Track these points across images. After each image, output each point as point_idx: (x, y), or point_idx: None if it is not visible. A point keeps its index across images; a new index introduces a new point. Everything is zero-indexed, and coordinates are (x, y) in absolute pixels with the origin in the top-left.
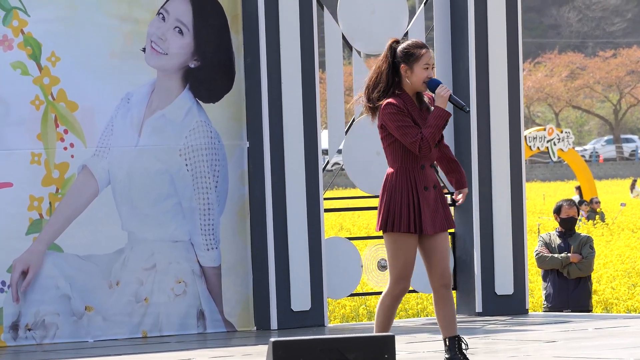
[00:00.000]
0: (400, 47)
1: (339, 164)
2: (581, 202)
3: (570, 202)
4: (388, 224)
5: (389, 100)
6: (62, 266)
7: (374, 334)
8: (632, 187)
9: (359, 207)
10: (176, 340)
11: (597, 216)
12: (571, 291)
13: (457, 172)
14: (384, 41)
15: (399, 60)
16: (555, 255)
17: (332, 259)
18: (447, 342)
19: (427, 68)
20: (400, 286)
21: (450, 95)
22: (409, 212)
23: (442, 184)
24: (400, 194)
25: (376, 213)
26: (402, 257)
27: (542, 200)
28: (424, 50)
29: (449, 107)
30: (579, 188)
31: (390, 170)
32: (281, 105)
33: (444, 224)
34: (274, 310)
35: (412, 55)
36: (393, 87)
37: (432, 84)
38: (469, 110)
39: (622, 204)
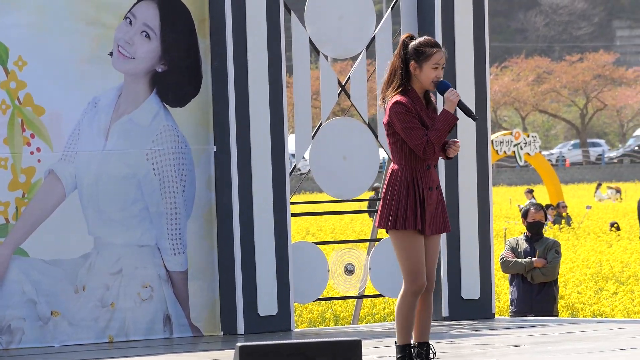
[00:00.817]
0: (412, 44)
1: (299, 170)
2: (547, 206)
3: (537, 206)
4: (396, 222)
5: (398, 98)
6: (28, 271)
7: (340, 338)
8: (597, 190)
9: (325, 212)
10: (142, 345)
11: (564, 220)
12: (534, 296)
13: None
14: (351, 45)
15: (409, 57)
16: (519, 260)
17: (299, 264)
18: (417, 346)
19: (437, 68)
20: (418, 283)
21: (460, 100)
22: (415, 210)
23: None
24: (406, 191)
25: (341, 217)
26: (413, 254)
27: (508, 204)
28: (435, 50)
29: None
30: (531, 192)
31: (394, 166)
32: (248, 109)
33: (441, 226)
34: (241, 315)
35: (422, 53)
36: (405, 84)
37: (442, 87)
38: (478, 118)
39: (588, 207)
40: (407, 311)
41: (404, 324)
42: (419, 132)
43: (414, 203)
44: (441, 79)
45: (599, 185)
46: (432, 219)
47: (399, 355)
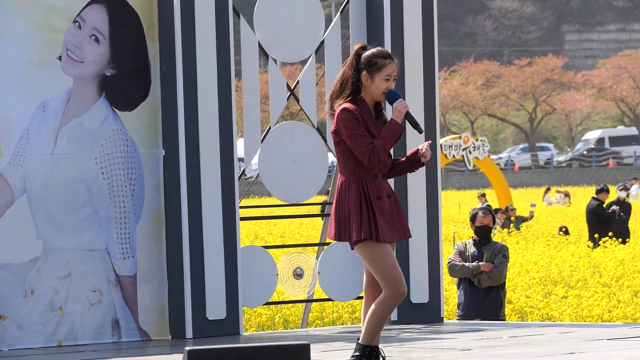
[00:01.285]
0: (365, 54)
1: (245, 174)
2: (497, 210)
3: (485, 210)
4: (351, 234)
5: (345, 105)
6: None
7: (289, 342)
8: (545, 194)
9: (275, 216)
10: (91, 349)
11: (512, 224)
12: (481, 300)
13: (406, 161)
14: (300, 49)
15: (361, 67)
16: (466, 264)
17: (248, 268)
18: (367, 350)
19: (388, 80)
20: (401, 290)
21: (407, 111)
22: (369, 220)
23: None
24: (358, 203)
25: (290, 221)
26: (386, 262)
27: (457, 208)
28: (387, 61)
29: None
30: (484, 195)
31: (342, 178)
32: (197, 113)
33: (400, 233)
34: (189, 319)
35: (375, 64)
36: (355, 93)
37: (391, 97)
38: (422, 131)
39: (532, 205)
40: (384, 316)
41: (375, 327)
42: (365, 139)
43: (367, 213)
44: (391, 90)
45: (548, 189)
46: (389, 227)
47: (357, 354)
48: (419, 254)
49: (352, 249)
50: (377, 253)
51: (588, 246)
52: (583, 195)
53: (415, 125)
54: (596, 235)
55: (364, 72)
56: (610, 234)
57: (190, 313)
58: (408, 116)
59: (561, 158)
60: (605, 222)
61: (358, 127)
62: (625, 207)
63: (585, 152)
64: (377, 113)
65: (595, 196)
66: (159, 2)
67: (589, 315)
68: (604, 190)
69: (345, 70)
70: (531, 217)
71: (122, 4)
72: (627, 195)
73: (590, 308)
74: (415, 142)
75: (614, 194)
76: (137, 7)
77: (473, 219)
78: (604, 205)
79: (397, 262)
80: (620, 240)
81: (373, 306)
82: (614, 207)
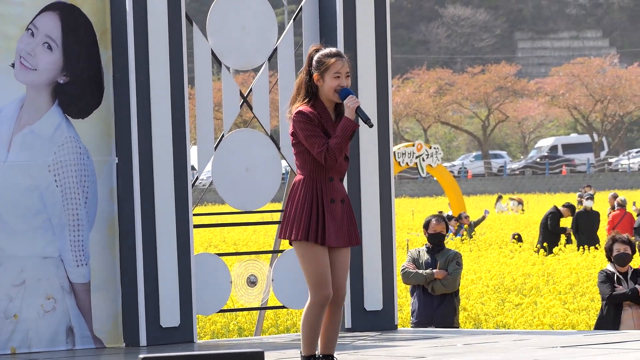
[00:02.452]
0: (315, 56)
1: (201, 181)
2: (450, 217)
3: (439, 217)
4: (298, 233)
5: (301, 108)
6: None
7: (243, 350)
8: (497, 202)
9: (228, 223)
10: (45, 357)
11: (465, 232)
12: (435, 307)
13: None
14: (253, 57)
15: (312, 69)
16: (420, 271)
17: (202, 275)
18: (321, 358)
19: (338, 77)
20: (323, 293)
21: (358, 107)
22: (312, 222)
23: None
24: (308, 203)
25: (244, 229)
26: (316, 265)
27: (411, 216)
28: (333, 60)
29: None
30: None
31: (297, 178)
32: (150, 121)
33: (348, 239)
34: (143, 327)
35: (323, 64)
36: (311, 96)
37: (342, 94)
38: (373, 125)
39: (486, 211)
40: (313, 322)
41: (310, 335)
42: (320, 140)
43: (316, 215)
44: (344, 87)
45: (500, 197)
46: (336, 231)
47: None
48: (373, 261)
49: (291, 245)
50: (312, 255)
51: (536, 251)
52: (536, 203)
53: (366, 120)
54: (545, 244)
55: (316, 74)
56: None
57: (144, 321)
58: (359, 111)
59: (514, 165)
60: (552, 233)
61: (313, 128)
62: (592, 216)
63: (538, 160)
64: (337, 114)
65: (558, 206)
66: (111, 10)
67: (543, 322)
68: (569, 207)
69: (301, 74)
70: (483, 218)
71: (75, 11)
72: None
73: (545, 315)
74: (369, 142)
75: (568, 201)
76: (90, 15)
77: (426, 226)
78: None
79: (328, 269)
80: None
81: (302, 315)
82: (568, 230)
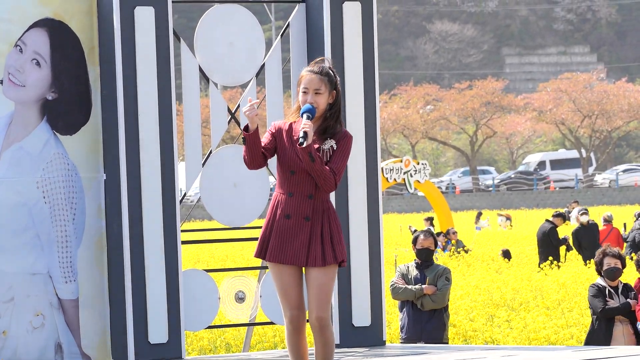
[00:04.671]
0: None
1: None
2: (439, 233)
3: (427, 233)
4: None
5: (274, 122)
6: None
7: None
8: (477, 218)
9: (216, 239)
10: None
11: (452, 247)
12: (425, 323)
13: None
14: (241, 73)
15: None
16: (409, 286)
17: (190, 291)
18: None
19: (305, 92)
20: (288, 314)
21: (303, 128)
22: (263, 237)
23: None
24: (266, 219)
25: (232, 245)
26: (276, 284)
27: (399, 231)
28: (303, 73)
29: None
30: (430, 219)
31: None
32: (138, 137)
33: (300, 259)
34: (131, 343)
35: (299, 78)
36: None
37: (301, 112)
38: (302, 144)
39: (478, 228)
40: (288, 342)
41: (289, 351)
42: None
43: (265, 230)
44: (309, 105)
45: (479, 214)
46: (284, 247)
47: None
48: (361, 277)
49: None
50: (274, 274)
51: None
52: (524, 219)
53: (301, 138)
54: (550, 258)
55: (297, 89)
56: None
57: (133, 337)
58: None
59: (501, 176)
60: (555, 247)
61: (265, 134)
62: (591, 229)
63: (512, 176)
64: (323, 132)
65: (549, 219)
66: (99, 26)
67: (533, 338)
68: (560, 216)
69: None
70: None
71: (63, 27)
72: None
73: (535, 330)
74: (357, 158)
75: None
76: (78, 31)
77: (414, 241)
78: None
79: (291, 289)
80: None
81: None
82: (567, 237)
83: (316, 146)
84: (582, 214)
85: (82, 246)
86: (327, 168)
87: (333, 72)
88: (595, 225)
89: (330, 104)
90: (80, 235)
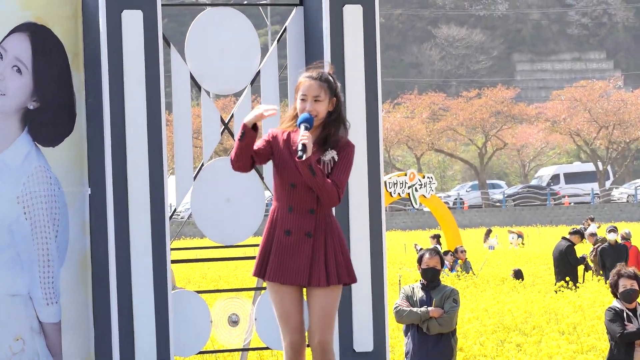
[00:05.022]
0: None
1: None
2: (446, 252)
3: (432, 251)
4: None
5: (271, 129)
6: None
7: None
8: (486, 236)
9: (208, 258)
10: None
11: (459, 267)
12: (431, 348)
13: None
14: (235, 81)
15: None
16: (414, 309)
17: (180, 314)
18: None
19: (304, 100)
20: (288, 339)
21: (301, 140)
22: (262, 255)
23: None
24: (264, 235)
25: (225, 264)
26: (275, 306)
27: (403, 250)
28: (302, 79)
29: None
30: (436, 237)
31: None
32: (125, 149)
33: (303, 278)
34: None
35: (297, 83)
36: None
37: (298, 122)
38: (301, 157)
39: (491, 247)
40: None
41: None
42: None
43: (263, 248)
44: (307, 114)
45: (489, 231)
46: (285, 266)
47: None
48: (363, 299)
49: None
50: (272, 294)
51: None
52: (537, 236)
53: (300, 151)
54: (567, 279)
55: (295, 95)
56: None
57: None
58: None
59: (511, 190)
60: (573, 267)
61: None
62: (619, 250)
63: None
64: (322, 144)
65: (566, 236)
66: (84, 31)
67: None
68: (578, 233)
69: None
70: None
71: (46, 32)
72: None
73: (549, 356)
74: (359, 171)
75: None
76: (61, 36)
77: (420, 260)
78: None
79: (292, 312)
80: None
81: None
82: (585, 255)
83: (316, 157)
84: (610, 232)
85: (65, 265)
86: (330, 181)
87: (333, 77)
88: (623, 247)
89: (330, 112)
90: (63, 253)
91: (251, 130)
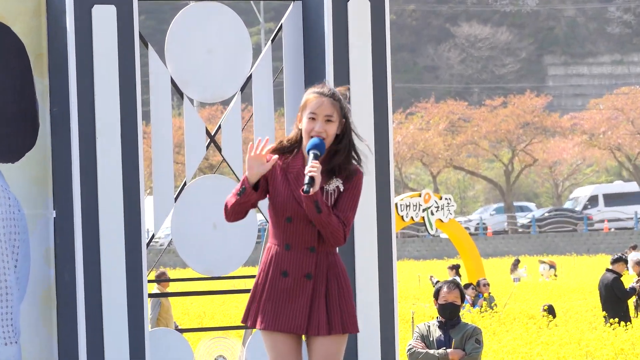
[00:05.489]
0: None
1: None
2: (467, 285)
3: (451, 284)
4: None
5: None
6: None
7: None
8: (514, 267)
9: (191, 292)
10: None
11: (484, 302)
12: None
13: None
14: (223, 87)
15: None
16: (431, 351)
17: (159, 356)
18: None
19: (314, 119)
20: None
21: (310, 172)
22: (252, 299)
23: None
24: (258, 275)
25: (211, 299)
26: (270, 357)
27: (417, 282)
28: (312, 96)
29: None
30: (455, 267)
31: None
32: (96, 165)
33: (300, 325)
34: None
35: (303, 101)
36: (295, 143)
37: (308, 147)
38: (307, 192)
39: (516, 279)
40: None
41: None
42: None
43: (255, 291)
44: (318, 139)
45: (517, 261)
46: (279, 311)
47: None
48: (370, 340)
49: None
50: (267, 344)
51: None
52: (572, 267)
53: (306, 185)
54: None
55: (298, 114)
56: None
57: None
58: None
59: (540, 213)
60: (623, 301)
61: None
62: None
63: (556, 214)
64: (329, 171)
65: (610, 267)
66: (48, 29)
67: None
68: (620, 260)
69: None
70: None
71: (5, 31)
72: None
73: None
74: (365, 191)
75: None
76: (22, 35)
77: (436, 295)
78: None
79: (289, 358)
80: None
81: None
82: (634, 284)
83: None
84: None
85: (26, 300)
86: (335, 219)
87: (342, 97)
88: None
89: (337, 135)
90: (23, 286)
91: (252, 189)
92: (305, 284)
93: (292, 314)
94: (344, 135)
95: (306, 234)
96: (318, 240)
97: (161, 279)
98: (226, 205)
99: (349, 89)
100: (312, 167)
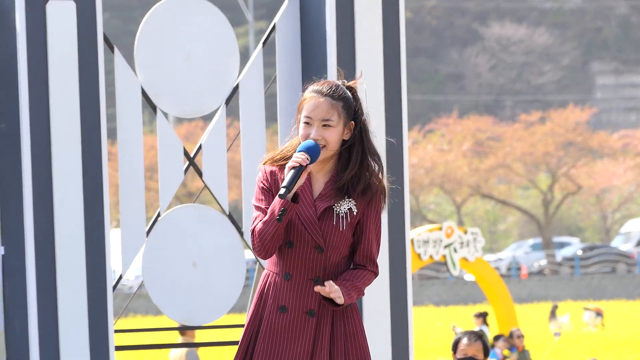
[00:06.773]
0: None
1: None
2: (497, 337)
3: (473, 335)
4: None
5: (264, 166)
6: None
7: None
8: (553, 315)
9: (166, 344)
10: None
11: (518, 357)
12: None
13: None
14: (203, 99)
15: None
16: None
17: None
18: None
19: (309, 123)
20: None
21: (293, 167)
22: (243, 340)
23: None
24: (249, 312)
25: (197, 351)
26: None
27: (437, 332)
28: (308, 94)
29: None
30: (482, 315)
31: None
32: (52, 194)
33: None
34: None
35: (300, 100)
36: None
37: (299, 150)
38: (282, 195)
39: (557, 334)
40: None
41: None
42: (257, 214)
43: (246, 329)
44: (312, 142)
45: (555, 307)
46: (276, 354)
47: None
48: None
49: None
50: None
51: None
52: (622, 314)
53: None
54: None
55: (297, 115)
56: None
57: None
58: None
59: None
60: None
61: (260, 194)
62: None
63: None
64: (340, 188)
65: None
66: None
67: None
68: None
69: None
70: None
71: None
72: None
73: None
74: None
75: None
76: None
77: (454, 347)
78: None
79: None
80: None
81: None
82: None
83: (326, 205)
84: None
85: None
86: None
87: (353, 92)
88: None
89: (344, 141)
90: None
91: (292, 203)
92: (307, 323)
93: (291, 356)
94: (355, 143)
95: (310, 262)
96: (324, 271)
97: (187, 327)
98: (254, 243)
99: (362, 81)
100: (295, 158)
